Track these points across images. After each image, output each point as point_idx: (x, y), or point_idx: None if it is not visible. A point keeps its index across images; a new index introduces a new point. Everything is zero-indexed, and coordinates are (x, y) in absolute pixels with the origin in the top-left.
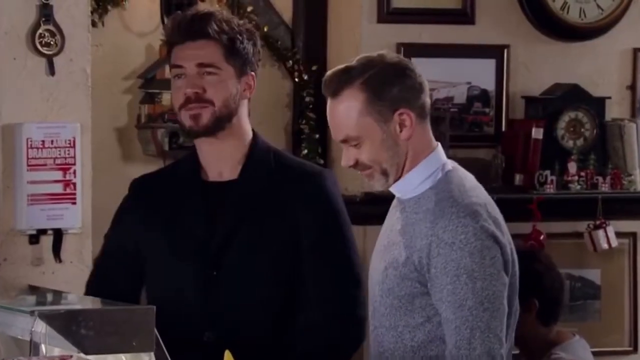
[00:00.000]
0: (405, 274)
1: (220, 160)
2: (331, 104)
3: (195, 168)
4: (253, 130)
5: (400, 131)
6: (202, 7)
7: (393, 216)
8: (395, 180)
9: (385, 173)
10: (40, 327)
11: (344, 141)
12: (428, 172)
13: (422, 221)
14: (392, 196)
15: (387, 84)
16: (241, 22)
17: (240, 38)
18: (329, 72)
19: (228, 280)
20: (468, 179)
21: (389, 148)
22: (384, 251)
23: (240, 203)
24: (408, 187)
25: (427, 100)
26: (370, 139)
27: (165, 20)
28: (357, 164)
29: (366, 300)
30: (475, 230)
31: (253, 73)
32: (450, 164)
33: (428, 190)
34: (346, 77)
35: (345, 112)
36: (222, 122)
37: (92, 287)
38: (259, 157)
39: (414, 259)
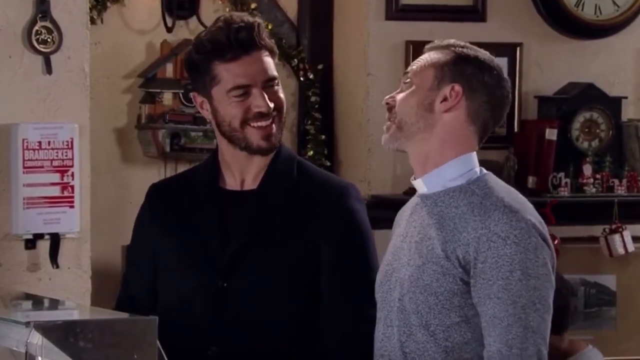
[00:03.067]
0: (448, 269)
1: (246, 170)
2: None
3: (214, 175)
4: None
5: (441, 102)
6: (239, 16)
7: (419, 212)
8: (422, 168)
9: (400, 127)
10: (36, 338)
11: (405, 74)
12: (462, 169)
13: (466, 214)
14: (400, 200)
15: (471, 65)
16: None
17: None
18: None
19: (237, 293)
20: (506, 184)
21: (420, 106)
22: (416, 247)
23: (258, 214)
24: (438, 180)
25: (487, 115)
26: (416, 88)
27: (167, 17)
28: (392, 107)
29: None
30: (529, 227)
31: None
32: (485, 170)
33: (465, 185)
34: (459, 44)
35: (428, 57)
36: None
37: (120, 302)
38: (282, 168)
39: (458, 253)
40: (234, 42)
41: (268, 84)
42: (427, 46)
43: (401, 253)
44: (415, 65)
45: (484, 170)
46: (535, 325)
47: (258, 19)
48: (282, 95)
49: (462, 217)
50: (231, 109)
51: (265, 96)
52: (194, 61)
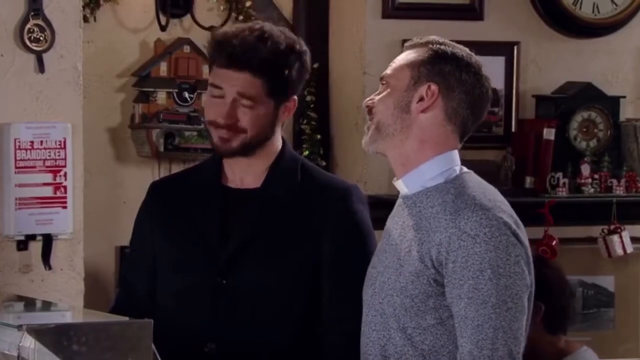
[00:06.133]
0: (421, 270)
1: (245, 171)
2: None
3: (217, 173)
4: (283, 138)
5: (417, 102)
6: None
7: (401, 214)
8: (403, 169)
9: (378, 128)
10: (29, 342)
11: (381, 78)
12: (441, 168)
13: (439, 214)
14: (396, 201)
15: (448, 62)
16: (293, 39)
17: (288, 68)
18: None
19: (236, 291)
20: (485, 183)
21: (397, 107)
22: (395, 249)
23: (260, 213)
24: (417, 180)
25: (466, 113)
26: (392, 89)
27: (161, 15)
28: (370, 108)
29: None
30: (499, 225)
31: (295, 96)
32: (466, 169)
33: (442, 184)
34: (436, 40)
35: (405, 57)
36: (253, 148)
37: (120, 302)
38: (285, 168)
39: (432, 254)
40: (228, 54)
41: (242, 99)
42: (406, 44)
43: (384, 256)
44: (391, 66)
45: (464, 169)
46: (507, 325)
47: (269, 32)
48: (248, 118)
49: (436, 216)
50: (205, 104)
51: (226, 108)
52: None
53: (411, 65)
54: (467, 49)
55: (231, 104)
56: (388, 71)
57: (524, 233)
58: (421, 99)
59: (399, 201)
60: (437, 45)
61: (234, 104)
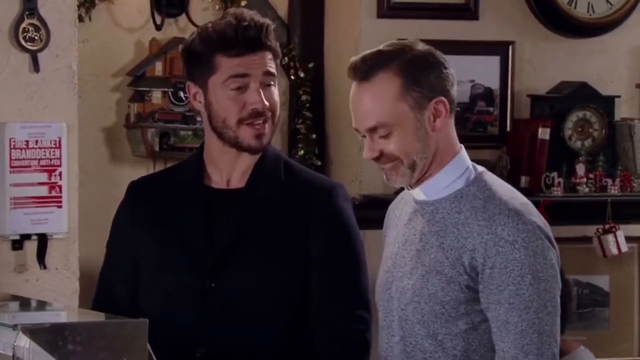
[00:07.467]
0: (453, 277)
1: (233, 169)
2: (361, 88)
3: (199, 173)
4: None
5: (434, 121)
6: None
7: (418, 219)
8: (419, 179)
9: (413, 167)
10: (24, 341)
11: (373, 129)
12: (458, 172)
13: (469, 219)
14: (392, 200)
15: (424, 69)
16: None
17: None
18: (357, 56)
19: (226, 293)
20: (503, 181)
21: (421, 139)
22: (418, 256)
23: (246, 213)
24: (436, 187)
25: (456, 95)
26: (403, 127)
27: (156, 15)
28: (381, 156)
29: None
30: (535, 229)
31: None
32: (479, 167)
33: (465, 189)
34: (380, 60)
35: (379, 96)
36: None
37: (98, 301)
38: (269, 167)
39: (464, 260)
40: (241, 39)
41: (266, 81)
42: (353, 71)
43: (402, 261)
44: (376, 114)
45: (478, 168)
46: (549, 329)
47: (268, 20)
48: (276, 97)
49: (466, 222)
50: (226, 103)
51: (262, 93)
52: (196, 51)
53: (398, 98)
54: (419, 43)
55: (259, 87)
56: (382, 119)
57: (551, 232)
58: (434, 116)
59: (414, 206)
60: (396, 62)
61: (261, 86)
